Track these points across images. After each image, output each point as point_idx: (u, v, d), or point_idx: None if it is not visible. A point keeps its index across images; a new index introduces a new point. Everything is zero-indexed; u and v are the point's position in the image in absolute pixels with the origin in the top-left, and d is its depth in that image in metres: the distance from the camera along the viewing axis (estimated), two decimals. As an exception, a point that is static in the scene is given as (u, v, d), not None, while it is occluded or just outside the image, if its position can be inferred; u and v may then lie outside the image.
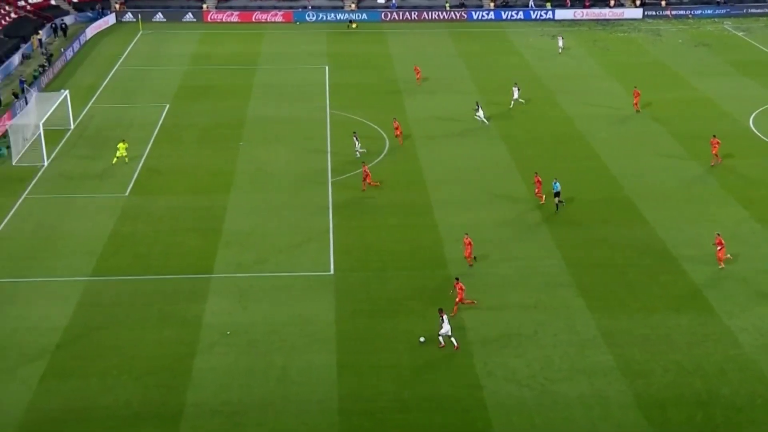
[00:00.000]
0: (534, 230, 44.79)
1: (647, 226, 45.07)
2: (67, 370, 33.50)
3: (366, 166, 49.41)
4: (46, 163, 52.63)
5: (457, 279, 37.61)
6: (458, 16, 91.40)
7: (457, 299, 37.09)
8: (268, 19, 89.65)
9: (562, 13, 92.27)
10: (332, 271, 40.76)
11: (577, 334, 35.93)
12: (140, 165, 52.60)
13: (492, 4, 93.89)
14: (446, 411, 31.56)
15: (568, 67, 73.93)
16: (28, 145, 54.32)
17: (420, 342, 35.09)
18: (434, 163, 53.03)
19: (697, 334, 35.90)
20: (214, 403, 31.78)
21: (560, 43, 78.72)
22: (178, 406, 31.64)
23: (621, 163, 53.22)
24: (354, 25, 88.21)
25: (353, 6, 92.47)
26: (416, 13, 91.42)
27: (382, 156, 54.25)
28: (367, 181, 48.84)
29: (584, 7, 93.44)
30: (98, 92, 66.88)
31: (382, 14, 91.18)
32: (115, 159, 52.55)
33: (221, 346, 35.07)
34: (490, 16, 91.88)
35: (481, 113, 59.50)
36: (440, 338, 34.92)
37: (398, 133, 55.71)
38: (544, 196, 47.29)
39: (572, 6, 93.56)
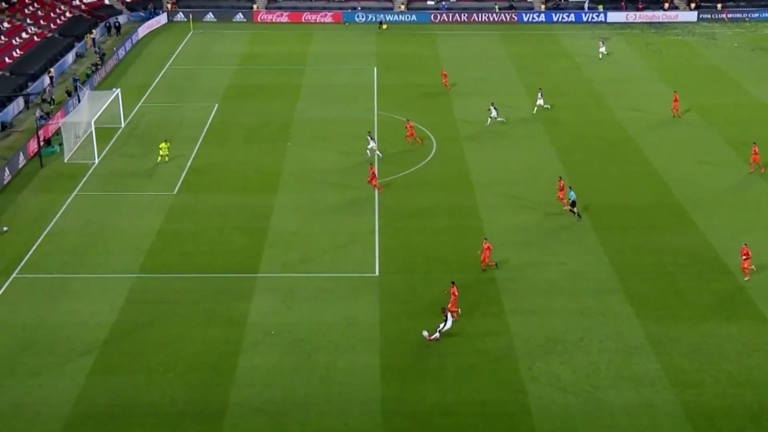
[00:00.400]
0: (582, 235, 44.37)
1: (698, 232, 44.38)
2: (113, 365, 34.01)
3: (373, 168, 49.19)
4: (96, 161, 53.50)
5: (453, 283, 37.30)
6: (508, 18, 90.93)
7: (450, 305, 36.70)
8: (318, 20, 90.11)
9: (614, 16, 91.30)
10: (377, 273, 40.80)
11: (624, 342, 35.49)
12: (188, 164, 53.20)
13: (543, 7, 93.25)
14: (490, 416, 31.40)
15: (620, 71, 73.12)
16: (79, 143, 55.28)
17: (424, 337, 35.12)
18: (482, 165, 52.80)
19: (749, 344, 35.23)
20: (257, 402, 32.00)
21: (602, 49, 76.92)
22: (221, 404, 31.92)
23: (671, 167, 52.48)
24: (384, 26, 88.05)
25: (403, 7, 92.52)
26: (466, 15, 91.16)
27: (429, 157, 54.17)
28: (372, 183, 48.65)
29: (637, 9, 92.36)
30: (149, 91, 67.82)
31: (432, 15, 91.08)
32: (158, 158, 53.23)
33: (265, 345, 35.31)
34: (540, 19, 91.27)
35: (494, 113, 59.45)
36: (437, 334, 35.22)
37: (410, 134, 55.55)
38: (566, 202, 46.86)
39: (625, 8, 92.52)
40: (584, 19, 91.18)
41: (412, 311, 37.28)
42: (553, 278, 40.34)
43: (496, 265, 40.80)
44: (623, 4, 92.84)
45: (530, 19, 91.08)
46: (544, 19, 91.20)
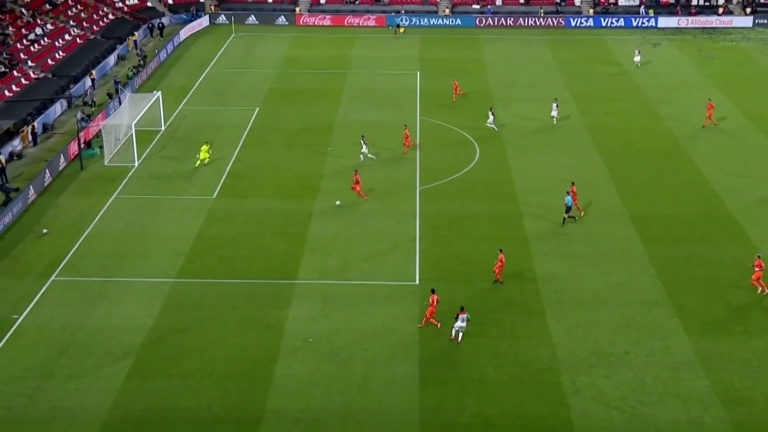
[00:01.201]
0: (628, 245, 43.93)
1: (750, 245, 43.67)
2: (150, 370, 34.36)
3: (357, 174, 49.20)
4: (136, 164, 54.17)
5: (432, 291, 37.14)
6: (555, 22, 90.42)
7: (427, 312, 36.70)
8: (361, 24, 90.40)
9: (665, 21, 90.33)
10: (417, 281, 40.76)
11: (672, 356, 35.03)
12: (228, 167, 53.64)
13: (591, 11, 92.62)
14: (531, 430, 31.18)
15: (670, 77, 72.32)
16: (120, 146, 56.00)
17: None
18: (526, 172, 52.55)
19: (802, 361, 34.58)
20: (294, 411, 32.11)
21: (637, 57, 75.02)
22: (257, 411, 32.09)
23: (722, 177, 51.76)
24: (401, 30, 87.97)
25: (447, 11, 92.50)
26: (512, 20, 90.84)
27: (472, 164, 54.03)
28: (356, 189, 48.61)
29: (689, 14, 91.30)
30: (190, 94, 68.55)
31: (477, 20, 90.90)
32: (197, 162, 53.72)
33: (303, 352, 35.43)
34: (588, 23, 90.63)
35: (491, 119, 59.28)
36: (453, 332, 35.63)
37: (407, 142, 55.57)
38: (581, 210, 46.93)
39: (679, 13, 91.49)
40: (634, 24, 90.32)
41: (452, 320, 37.09)
42: (597, 289, 39.98)
43: (500, 281, 40.26)
44: (678, 9, 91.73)
45: (578, 24, 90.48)
46: (592, 24, 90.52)
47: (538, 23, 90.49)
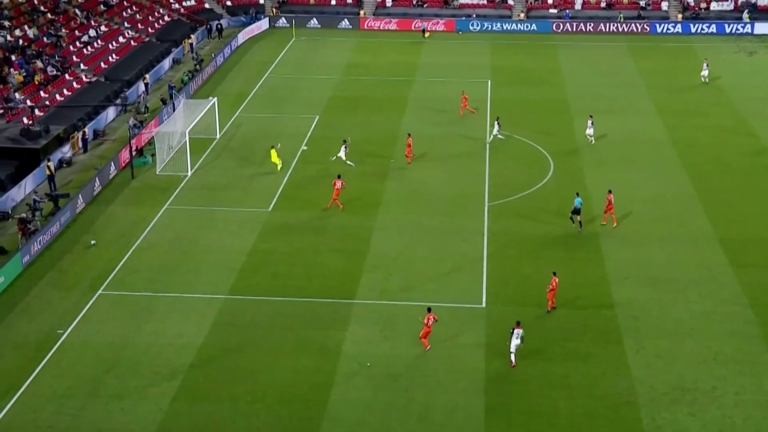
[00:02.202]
0: (715, 271, 43.13)
1: None
2: (199, 392, 34.74)
3: (336, 181, 49.57)
4: (189, 173, 55.00)
5: (429, 309, 37.07)
6: (639, 28, 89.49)
7: (423, 332, 36.76)
8: (429, 28, 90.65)
9: (763, 27, 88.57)
10: (484, 304, 40.56)
11: (766, 395, 34.20)
12: (285, 179, 54.15)
13: (679, 16, 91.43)
14: (605, 469, 30.71)
15: (766, 89, 70.90)
16: (172, 154, 56.94)
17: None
18: (603, 190, 51.93)
19: None
20: (350, 439, 32.16)
21: (705, 71, 71.99)
22: (311, 439, 32.22)
23: (824, 199, 50.53)
24: (427, 35, 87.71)
25: (522, 15, 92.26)
26: (592, 25, 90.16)
27: (545, 180, 53.65)
28: (334, 197, 49.11)
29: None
30: (247, 100, 69.46)
31: (554, 25, 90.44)
32: (279, 165, 54.64)
33: (360, 377, 35.47)
34: (676, 29, 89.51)
35: (496, 129, 58.96)
36: (512, 356, 35.69)
37: (409, 151, 55.76)
38: (615, 220, 47.03)
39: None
40: (727, 30, 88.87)
41: (521, 348, 36.77)
42: (682, 318, 39.29)
43: (554, 307, 39.80)
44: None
45: (664, 30, 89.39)
46: (680, 30, 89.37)
47: (620, 29, 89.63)
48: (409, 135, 57.26)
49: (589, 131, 59.18)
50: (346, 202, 50.62)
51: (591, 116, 59.91)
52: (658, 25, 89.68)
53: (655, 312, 39.83)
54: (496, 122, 59.83)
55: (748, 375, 35.37)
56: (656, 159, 57.10)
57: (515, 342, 35.75)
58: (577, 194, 47.25)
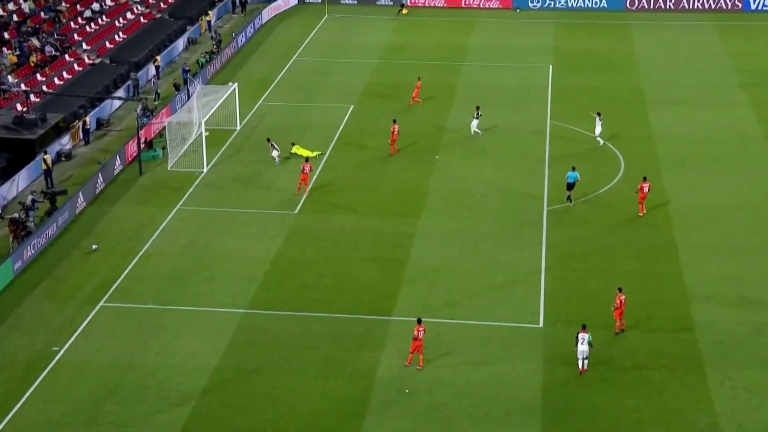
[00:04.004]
0: (816, 290, 42.70)
1: None
2: (213, 420, 34.94)
3: (307, 165, 51.15)
4: (205, 170, 55.43)
5: (419, 320, 37.46)
6: (730, 5, 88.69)
7: (411, 346, 37.22)
8: (482, 5, 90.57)
9: None
10: (542, 324, 40.47)
11: None
12: (314, 177, 54.36)
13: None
14: None
15: None
16: (186, 147, 57.38)
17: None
18: (684, 194, 51.67)
19: None
20: (384, 478, 32.23)
21: None
22: (339, 476, 32.34)
23: None
24: (405, 11, 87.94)
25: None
26: (673, 1, 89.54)
27: (616, 180, 53.41)
28: (302, 180, 50.79)
29: None
30: (272, 87, 69.86)
31: (628, 1, 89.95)
32: (314, 154, 55.83)
33: (397, 406, 35.52)
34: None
35: (475, 123, 58.96)
36: (579, 362, 36.38)
37: (393, 139, 56.31)
38: (644, 210, 48.45)
39: None
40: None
41: (585, 375, 36.60)
42: (775, 345, 38.96)
43: (623, 329, 39.69)
44: None
45: (760, 6, 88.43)
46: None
47: (707, 5, 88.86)
48: (395, 121, 57.33)
49: (598, 130, 58.01)
50: (382, 206, 50.74)
51: (599, 113, 58.49)
52: (752, 1, 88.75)
53: (744, 337, 39.47)
54: (476, 112, 59.76)
55: None
56: (748, 158, 56.61)
57: (582, 348, 36.01)
58: (573, 168, 48.46)
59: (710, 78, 70.81)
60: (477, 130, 59.57)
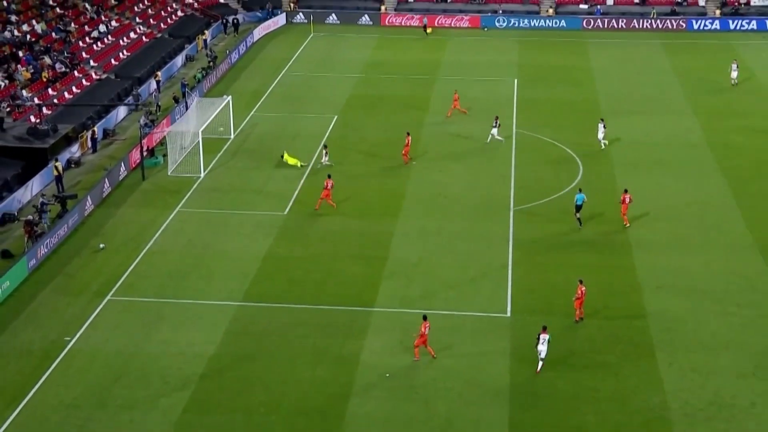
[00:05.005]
0: (756, 281, 42.91)
1: None
2: (211, 403, 34.85)
3: (329, 181, 49.98)
4: (202, 175, 55.25)
5: (424, 317, 37.12)
6: (675, 25, 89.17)
7: (417, 341, 36.79)
8: (453, 24, 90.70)
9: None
10: (509, 313, 40.51)
11: (805, 411, 34.00)
12: (302, 181, 54.28)
13: (717, 12, 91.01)
14: (636, 488, 30.59)
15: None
16: (185, 155, 57.19)
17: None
18: (638, 194, 51.73)
19: None
20: (367, 454, 32.22)
21: (734, 74, 70.92)
22: (327, 453, 32.30)
23: None
24: (429, 31, 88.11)
25: (551, 11, 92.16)
26: (624, 21, 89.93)
27: (574, 183, 53.51)
28: (324, 195, 49.73)
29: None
30: (263, 99, 69.72)
31: (584, 21, 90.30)
32: (299, 163, 55.25)
33: (379, 389, 35.50)
34: (714, 26, 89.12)
35: (495, 131, 58.82)
36: (540, 363, 35.85)
37: (407, 150, 56.20)
38: (627, 220, 47.51)
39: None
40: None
41: (548, 359, 36.69)
42: (719, 331, 39.09)
43: (582, 318, 39.68)
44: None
45: (702, 27, 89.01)
46: (718, 27, 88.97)
47: (654, 26, 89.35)
48: (408, 134, 57.34)
49: (601, 135, 58.38)
50: (364, 207, 50.72)
51: (602, 119, 59.36)
52: (694, 22, 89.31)
53: (690, 323, 39.64)
54: (494, 122, 59.63)
55: (788, 390, 35.20)
56: (692, 162, 56.86)
57: (542, 347, 35.81)
58: (580, 190, 47.48)
59: (658, 90, 71.13)
60: (498, 137, 59.29)
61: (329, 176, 50.62)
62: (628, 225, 47.81)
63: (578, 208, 46.98)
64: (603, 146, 58.46)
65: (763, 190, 52.78)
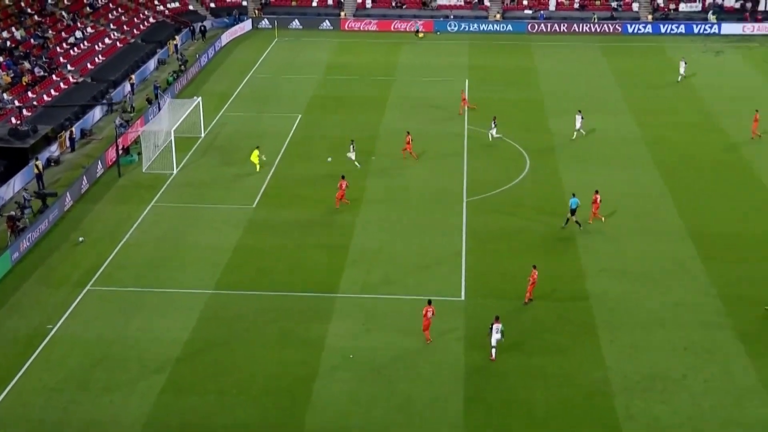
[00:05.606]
0: (686, 264, 43.43)
1: (818, 266, 42.91)
2: (186, 385, 34.66)
3: (342, 182, 49.41)
4: (175, 171, 54.80)
5: (429, 302, 37.13)
6: (611, 29, 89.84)
7: (424, 324, 36.83)
8: (408, 29, 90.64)
9: (729, 28, 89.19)
10: (463, 297, 40.67)
11: (734, 382, 34.48)
12: (269, 176, 54.02)
13: (650, 17, 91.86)
14: (581, 456, 30.88)
15: (735, 88, 71.41)
16: (158, 153, 56.72)
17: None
18: (579, 187, 52.13)
19: None
20: (333, 430, 32.19)
21: (682, 69, 72.68)
22: (296, 429, 32.20)
23: (790, 194, 50.96)
24: (421, 35, 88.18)
25: (498, 16, 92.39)
26: (566, 25, 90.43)
27: (521, 176, 53.82)
28: (339, 196, 49.16)
29: (756, 20, 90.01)
30: (231, 100, 69.23)
31: (529, 26, 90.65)
32: (257, 167, 54.34)
33: (343, 370, 35.50)
34: (647, 30, 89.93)
35: (494, 130, 58.88)
36: (492, 350, 35.59)
37: (407, 148, 55.95)
38: (603, 217, 47.34)
39: (748, 19, 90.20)
40: (695, 30, 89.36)
41: (501, 342, 36.88)
42: (654, 310, 39.55)
43: (530, 300, 39.97)
44: (747, 14, 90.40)
45: (635, 30, 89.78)
46: (650, 31, 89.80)
47: (593, 30, 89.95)
48: (408, 133, 57.19)
49: (578, 125, 59.33)
50: (327, 200, 50.59)
51: (580, 111, 60.33)
52: (629, 26, 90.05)
53: (628, 304, 40.07)
54: (493, 122, 59.58)
55: (717, 363, 35.66)
56: (629, 156, 57.38)
57: (495, 336, 35.75)
58: (573, 195, 46.98)
59: (597, 89, 71.64)
60: (497, 135, 59.10)
61: (343, 177, 49.97)
62: (603, 220, 47.45)
63: (573, 211, 46.38)
64: (579, 135, 59.21)
65: (691, 181, 53.42)
